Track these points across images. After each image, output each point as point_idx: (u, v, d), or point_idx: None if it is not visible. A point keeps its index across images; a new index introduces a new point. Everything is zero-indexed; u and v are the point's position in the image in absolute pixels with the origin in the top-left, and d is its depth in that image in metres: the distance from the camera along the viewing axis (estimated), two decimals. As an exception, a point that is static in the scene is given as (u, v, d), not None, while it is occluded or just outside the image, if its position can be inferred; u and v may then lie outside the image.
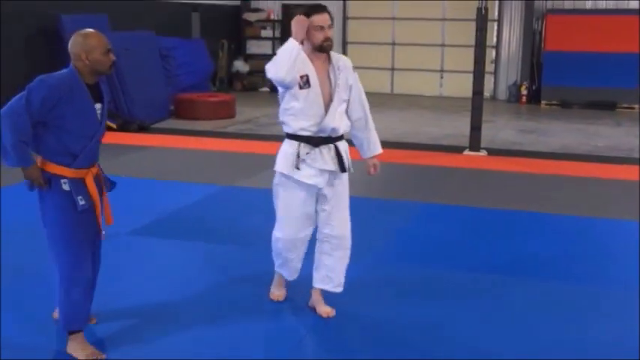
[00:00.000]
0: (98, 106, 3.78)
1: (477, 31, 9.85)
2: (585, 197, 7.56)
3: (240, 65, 18.07)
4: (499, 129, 12.37)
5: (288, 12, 18.30)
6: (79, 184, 3.70)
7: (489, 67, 15.92)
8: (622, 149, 10.55)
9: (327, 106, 4.07)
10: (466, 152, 9.91)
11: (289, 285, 4.56)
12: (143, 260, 5.33)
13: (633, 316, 4.39)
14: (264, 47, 18.48)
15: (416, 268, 5.21)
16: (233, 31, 18.19)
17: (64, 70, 3.71)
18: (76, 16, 11.56)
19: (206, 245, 5.70)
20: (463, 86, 15.17)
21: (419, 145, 10.24)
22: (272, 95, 17.42)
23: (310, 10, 4.06)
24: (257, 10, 18.40)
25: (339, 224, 4.22)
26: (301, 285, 4.51)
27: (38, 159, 3.68)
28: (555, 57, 15.56)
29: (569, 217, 6.73)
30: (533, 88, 16.36)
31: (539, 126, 12.93)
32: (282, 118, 4.20)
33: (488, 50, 11.53)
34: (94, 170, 3.81)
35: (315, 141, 4.09)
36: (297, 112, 4.08)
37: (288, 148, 4.15)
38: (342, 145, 4.17)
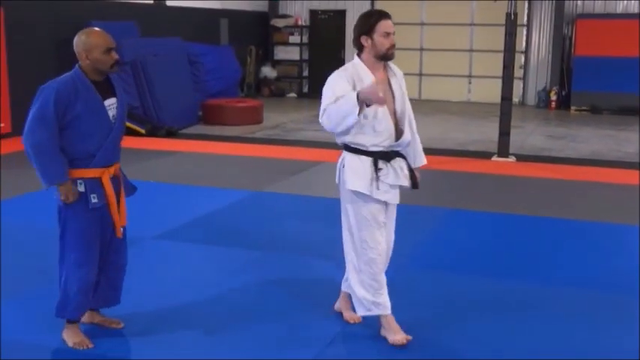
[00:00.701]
0: (111, 101, 3.78)
1: (506, 35, 9.78)
2: (615, 204, 7.46)
3: (268, 71, 18.14)
4: (528, 135, 12.27)
5: (316, 18, 18.38)
6: (94, 183, 3.74)
7: (518, 72, 15.80)
8: (653, 155, 10.40)
9: (394, 120, 3.89)
10: (494, 158, 9.83)
11: (313, 290, 4.51)
12: (169, 264, 5.36)
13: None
14: (291, 53, 18.55)
15: (443, 274, 5.17)
16: (261, 37, 18.28)
17: (69, 72, 3.73)
18: (106, 23, 11.70)
19: (233, 250, 5.72)
20: (491, 92, 15.10)
21: (446, 151, 10.18)
22: (299, 101, 17.52)
23: (378, 15, 3.87)
24: (285, 16, 18.47)
25: (391, 237, 4.12)
26: (324, 287, 4.49)
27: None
28: (585, 62, 15.41)
29: (599, 223, 6.64)
30: (563, 93, 16.21)
31: (569, 132, 12.81)
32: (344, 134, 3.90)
33: (517, 55, 11.44)
34: (112, 170, 3.83)
35: (387, 156, 3.90)
36: (366, 130, 3.83)
37: (359, 164, 3.87)
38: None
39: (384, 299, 3.98)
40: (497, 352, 3.97)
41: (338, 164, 4.00)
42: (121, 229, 3.96)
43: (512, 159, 9.83)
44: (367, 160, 3.86)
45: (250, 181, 8.24)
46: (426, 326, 4.28)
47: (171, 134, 11.63)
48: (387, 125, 3.84)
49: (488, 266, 5.42)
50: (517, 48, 11.31)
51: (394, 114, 3.90)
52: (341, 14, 18.14)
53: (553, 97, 16.16)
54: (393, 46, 3.85)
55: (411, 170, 4.00)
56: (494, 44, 15.17)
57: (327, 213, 6.91)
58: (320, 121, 3.79)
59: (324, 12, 18.43)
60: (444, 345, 4.07)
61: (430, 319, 4.39)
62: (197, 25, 15.43)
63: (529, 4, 16.54)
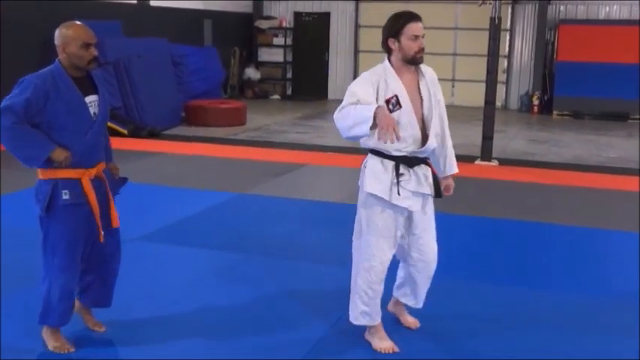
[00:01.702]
0: (92, 98, 3.65)
1: (489, 40, 9.83)
2: (596, 209, 7.51)
3: (252, 73, 18.12)
4: (510, 139, 12.33)
5: (300, 20, 18.37)
6: (71, 183, 3.60)
7: (501, 76, 15.85)
8: (634, 161, 10.47)
9: (421, 125, 3.77)
10: (477, 162, 9.87)
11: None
12: (151, 266, 5.31)
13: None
14: (275, 55, 18.53)
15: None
16: (245, 39, 18.25)
17: (49, 66, 3.61)
18: (90, 22, 11.61)
19: (217, 252, 5.69)
20: (475, 96, 15.16)
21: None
22: (283, 103, 17.49)
23: (407, 18, 3.74)
24: (269, 17, 18.45)
25: (428, 249, 3.97)
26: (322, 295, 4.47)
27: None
28: (568, 67, 15.52)
29: (580, 228, 6.68)
30: (545, 98, 16.31)
31: (551, 136, 12.88)
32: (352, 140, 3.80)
33: (500, 60, 11.49)
34: (93, 171, 3.68)
35: (410, 162, 3.77)
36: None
37: (380, 167, 3.76)
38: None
39: (374, 309, 3.93)
40: (472, 350, 3.98)
41: (361, 166, 3.90)
42: (115, 230, 3.87)
43: (495, 163, 9.87)
44: (389, 164, 3.75)
45: (233, 183, 8.21)
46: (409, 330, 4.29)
47: (153, 135, 11.57)
48: (411, 132, 3.72)
49: (470, 270, 5.43)
50: (500, 52, 11.35)
51: (421, 119, 3.78)
52: (325, 16, 18.16)
53: (535, 102, 16.25)
54: (421, 50, 3.73)
55: (435, 178, 3.90)
56: (477, 48, 15.24)
57: (310, 215, 6.92)
58: (334, 116, 3.66)
59: (308, 14, 18.42)
60: (432, 350, 4.06)
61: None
62: (181, 25, 15.38)
63: (512, 9, 16.64)
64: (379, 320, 3.99)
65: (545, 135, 13.07)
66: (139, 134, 11.35)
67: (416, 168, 3.80)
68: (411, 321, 4.29)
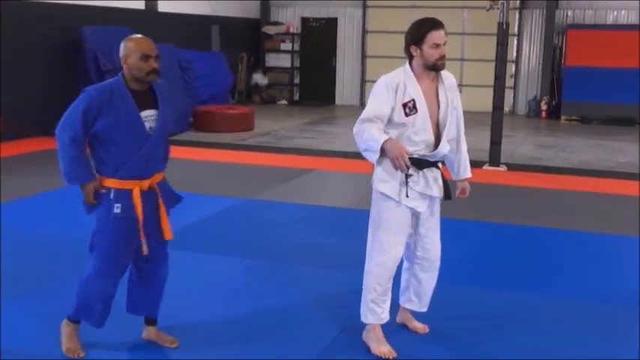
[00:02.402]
0: (149, 112, 3.68)
1: (497, 45, 9.82)
2: (605, 214, 7.49)
3: (259, 78, 18.15)
4: (518, 144, 12.31)
5: (307, 25, 18.41)
6: (123, 194, 3.66)
7: (509, 81, 15.83)
8: (643, 165, 10.45)
9: (435, 130, 3.83)
10: (485, 167, 9.86)
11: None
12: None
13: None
14: (283, 60, 18.56)
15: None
16: (252, 44, 18.28)
17: (113, 78, 3.68)
18: (97, 28, 11.69)
19: (225, 258, 5.69)
20: (482, 101, 15.12)
21: (437, 160, 10.15)
22: (290, 108, 17.51)
23: (429, 25, 3.77)
24: (276, 23, 18.48)
25: (432, 247, 4.05)
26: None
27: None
28: (576, 72, 15.49)
29: (589, 234, 6.66)
30: (553, 103, 16.28)
31: (559, 141, 12.86)
32: None
33: (508, 65, 11.48)
34: (146, 183, 3.73)
35: (420, 164, 3.82)
36: (403, 139, 3.78)
37: (390, 167, 3.78)
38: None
39: (381, 309, 3.95)
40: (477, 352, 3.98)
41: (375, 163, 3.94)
42: (164, 241, 3.90)
43: (503, 168, 9.86)
44: None
45: (241, 188, 8.22)
46: (412, 334, 4.28)
47: (161, 140, 11.56)
48: (425, 136, 3.80)
49: (479, 275, 5.42)
50: (508, 57, 11.34)
51: (436, 124, 3.84)
52: (332, 22, 18.18)
53: (543, 107, 16.22)
54: (442, 57, 3.78)
55: (445, 181, 3.94)
56: (485, 53, 15.22)
57: (318, 220, 6.92)
58: (354, 130, 3.77)
59: (315, 20, 18.45)
60: (437, 354, 4.06)
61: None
62: (188, 31, 15.42)
63: (520, 14, 16.62)
64: (385, 320, 3.99)
65: (553, 140, 13.04)
66: (147, 140, 11.35)
67: (425, 170, 3.85)
68: (419, 326, 4.29)
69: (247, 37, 18.15)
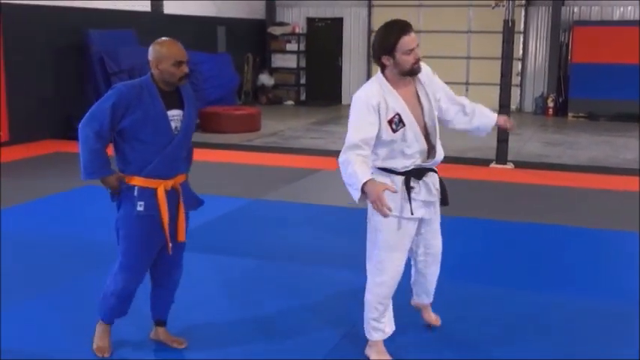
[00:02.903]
0: (175, 112, 3.71)
1: (503, 43, 9.81)
2: (614, 211, 7.46)
3: (266, 79, 18.16)
4: (525, 141, 12.28)
5: (313, 25, 18.42)
6: (147, 193, 3.68)
7: (515, 79, 15.84)
8: (651, 162, 10.42)
9: (425, 134, 3.68)
10: (493, 165, 9.84)
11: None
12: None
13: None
14: (289, 61, 18.56)
15: (442, 281, 5.15)
16: (258, 45, 18.30)
17: (143, 77, 3.72)
18: (104, 32, 11.72)
19: (232, 259, 5.71)
20: (489, 99, 14.96)
21: (445, 158, 10.08)
22: (297, 108, 17.52)
23: (398, 31, 3.53)
24: (282, 23, 18.50)
25: (434, 242, 4.00)
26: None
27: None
28: (582, 69, 15.44)
29: (599, 230, 6.65)
30: (560, 100, 16.24)
31: (566, 138, 12.83)
32: (371, 157, 3.66)
33: (514, 62, 11.47)
34: (170, 183, 3.75)
35: (419, 173, 3.70)
36: (395, 155, 3.65)
37: (389, 183, 3.62)
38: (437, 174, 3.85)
39: (384, 326, 3.90)
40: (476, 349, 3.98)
41: None
42: (181, 243, 3.91)
43: (510, 166, 9.84)
44: (398, 180, 3.67)
45: (248, 188, 8.24)
46: (422, 333, 4.28)
47: (169, 142, 11.59)
48: (418, 147, 3.65)
49: (487, 273, 5.42)
50: (514, 55, 11.33)
51: (424, 128, 3.69)
52: (338, 22, 18.19)
53: (550, 104, 16.18)
54: (417, 61, 3.58)
55: (442, 185, 3.83)
56: (491, 51, 15.20)
57: (326, 220, 6.92)
58: (339, 159, 3.52)
59: (321, 20, 18.46)
60: (443, 353, 4.06)
61: (426, 327, 4.38)
62: (194, 33, 15.44)
63: (526, 11, 16.59)
64: (390, 333, 3.95)
65: (560, 137, 13.01)
66: (154, 141, 11.38)
67: (424, 177, 3.73)
68: (433, 318, 4.31)
69: (253, 38, 18.18)
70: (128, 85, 3.64)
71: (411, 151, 3.63)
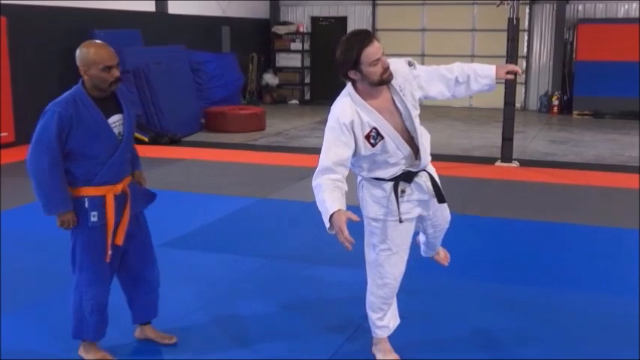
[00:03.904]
0: (116, 118, 3.62)
1: (508, 41, 9.80)
2: (620, 208, 7.45)
3: (270, 78, 18.17)
4: (530, 140, 12.27)
5: (317, 25, 18.41)
6: (97, 201, 3.61)
7: (520, 77, 15.80)
8: (657, 159, 10.40)
9: (408, 138, 3.54)
10: (498, 163, 9.84)
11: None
12: (173, 273, 5.34)
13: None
14: (293, 60, 18.58)
15: (448, 280, 5.16)
16: (263, 45, 18.31)
17: (71, 90, 3.58)
18: (109, 32, 11.75)
19: (240, 258, 5.71)
20: (493, 97, 15.05)
21: (450, 157, 10.18)
22: (301, 108, 17.54)
23: (359, 45, 3.36)
24: (286, 23, 18.51)
25: (441, 222, 3.99)
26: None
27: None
28: (587, 67, 15.42)
29: (605, 228, 6.64)
30: (565, 98, 16.21)
31: (572, 136, 12.81)
32: (356, 170, 3.66)
33: (519, 61, 11.46)
34: (119, 187, 3.68)
35: (408, 177, 3.60)
36: (380, 165, 3.56)
37: (380, 192, 3.62)
38: (431, 168, 3.73)
39: (387, 322, 3.89)
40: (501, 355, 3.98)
41: (357, 182, 3.78)
42: (142, 240, 3.89)
43: (515, 164, 9.83)
44: (388, 186, 3.60)
45: (254, 188, 8.25)
46: (429, 330, 4.28)
47: (174, 142, 11.64)
48: (401, 154, 3.53)
49: (493, 271, 5.42)
50: (519, 53, 11.31)
51: (406, 132, 3.55)
52: (342, 21, 18.18)
53: (555, 102, 16.16)
54: (386, 70, 3.40)
55: (435, 184, 3.69)
56: (495, 50, 15.15)
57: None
58: (312, 182, 3.49)
59: (325, 19, 18.45)
60: (451, 350, 4.06)
61: (436, 324, 4.39)
62: (199, 32, 15.47)
63: (530, 9, 16.56)
64: (395, 326, 3.94)
65: (565, 135, 12.99)
66: (159, 141, 11.43)
67: (416, 178, 3.64)
68: (442, 256, 4.44)
69: (257, 38, 18.19)
70: (63, 104, 3.49)
71: (394, 159, 3.54)
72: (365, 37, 3.39)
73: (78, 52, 3.57)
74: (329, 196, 3.35)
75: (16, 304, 4.63)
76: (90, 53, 3.53)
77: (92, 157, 3.56)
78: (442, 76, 3.71)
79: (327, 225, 3.32)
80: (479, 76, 3.77)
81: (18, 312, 4.52)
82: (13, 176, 8.48)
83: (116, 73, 3.56)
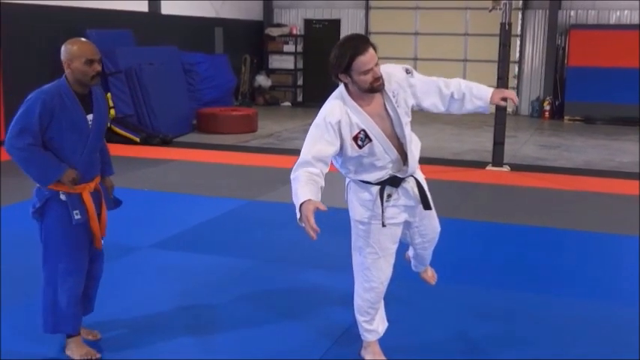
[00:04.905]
0: (90, 117, 3.73)
1: (500, 46, 9.83)
2: (610, 214, 7.48)
3: (263, 80, 18.16)
4: (522, 144, 12.31)
5: (310, 27, 18.42)
6: (75, 199, 3.71)
7: (512, 82, 15.89)
8: (647, 165, 10.44)
9: (397, 144, 3.54)
10: (489, 167, 9.86)
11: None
12: (162, 274, 5.34)
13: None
14: (286, 62, 18.57)
15: (438, 284, 5.16)
16: (256, 46, 18.31)
17: (55, 82, 3.69)
18: (101, 31, 11.72)
19: (228, 259, 5.71)
20: (485, 101, 15.12)
21: (441, 160, 10.21)
22: (294, 110, 17.53)
23: (353, 51, 3.33)
24: (279, 25, 18.50)
25: (429, 231, 3.91)
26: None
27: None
28: (579, 72, 15.48)
29: (594, 233, 6.66)
30: (557, 103, 16.27)
31: (563, 141, 12.85)
32: (343, 171, 3.67)
33: (511, 65, 11.49)
34: (92, 185, 3.79)
35: (395, 181, 3.60)
36: (367, 168, 3.56)
37: (367, 195, 3.63)
38: (419, 175, 3.74)
39: (376, 326, 3.90)
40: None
41: (345, 184, 3.79)
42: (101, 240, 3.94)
43: (506, 168, 9.86)
44: (374, 190, 3.61)
45: (245, 190, 8.24)
46: (420, 335, 4.29)
47: (165, 143, 11.62)
48: (388, 158, 3.53)
49: (483, 276, 5.43)
50: (511, 58, 11.34)
51: (395, 138, 3.54)
52: (335, 23, 18.19)
53: (547, 107, 16.22)
54: (377, 79, 3.38)
55: (421, 190, 3.68)
56: (488, 54, 15.21)
57: (322, 221, 6.91)
58: (291, 175, 3.50)
59: (318, 21, 18.47)
60: (441, 354, 4.07)
61: (425, 328, 4.39)
62: (192, 33, 15.45)
63: (523, 15, 16.62)
64: (383, 331, 3.95)
65: (556, 140, 13.04)
66: (151, 142, 11.41)
67: (403, 184, 3.64)
68: (429, 275, 4.37)
69: (250, 39, 18.18)
70: (48, 93, 3.61)
71: (381, 163, 3.54)
72: (360, 44, 3.36)
73: (63, 47, 3.69)
74: (302, 188, 3.37)
75: (15, 301, 4.59)
76: (74, 47, 3.66)
77: (69, 151, 3.65)
78: (439, 89, 3.70)
79: (298, 215, 3.33)
80: (474, 97, 3.77)
81: (17, 309, 4.49)
82: (8, 175, 8.45)
83: (97, 67, 3.67)
